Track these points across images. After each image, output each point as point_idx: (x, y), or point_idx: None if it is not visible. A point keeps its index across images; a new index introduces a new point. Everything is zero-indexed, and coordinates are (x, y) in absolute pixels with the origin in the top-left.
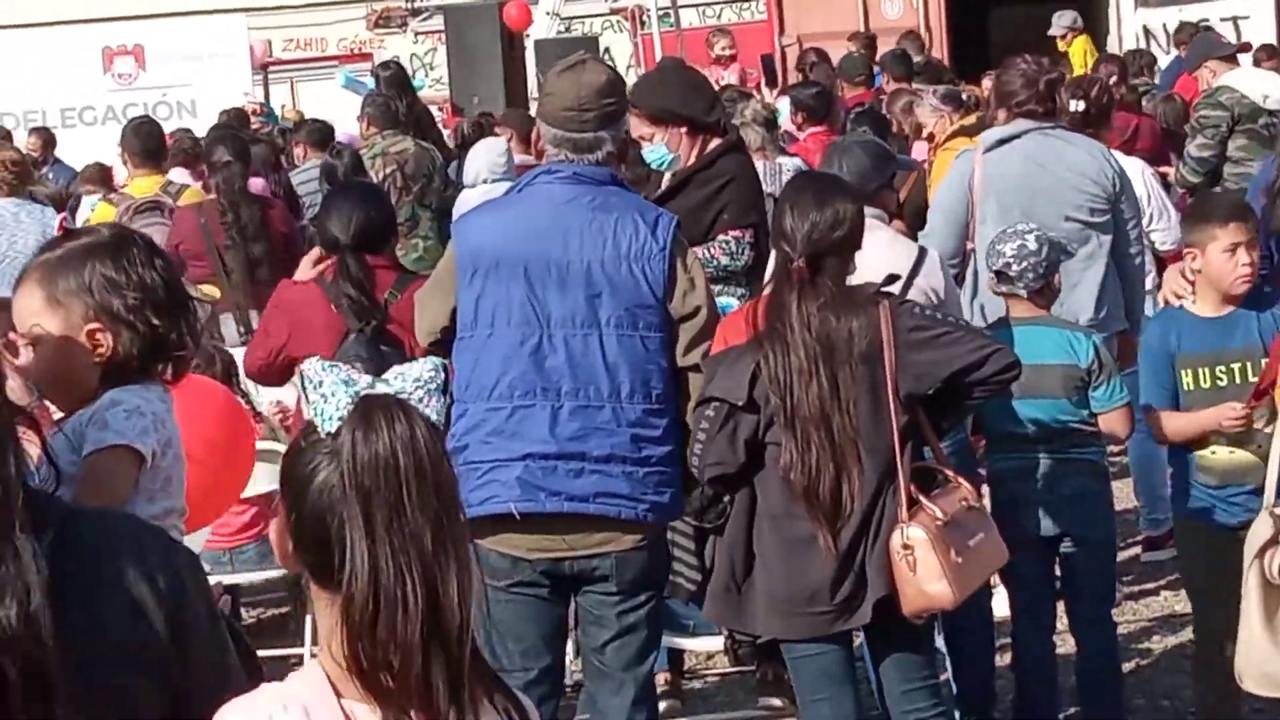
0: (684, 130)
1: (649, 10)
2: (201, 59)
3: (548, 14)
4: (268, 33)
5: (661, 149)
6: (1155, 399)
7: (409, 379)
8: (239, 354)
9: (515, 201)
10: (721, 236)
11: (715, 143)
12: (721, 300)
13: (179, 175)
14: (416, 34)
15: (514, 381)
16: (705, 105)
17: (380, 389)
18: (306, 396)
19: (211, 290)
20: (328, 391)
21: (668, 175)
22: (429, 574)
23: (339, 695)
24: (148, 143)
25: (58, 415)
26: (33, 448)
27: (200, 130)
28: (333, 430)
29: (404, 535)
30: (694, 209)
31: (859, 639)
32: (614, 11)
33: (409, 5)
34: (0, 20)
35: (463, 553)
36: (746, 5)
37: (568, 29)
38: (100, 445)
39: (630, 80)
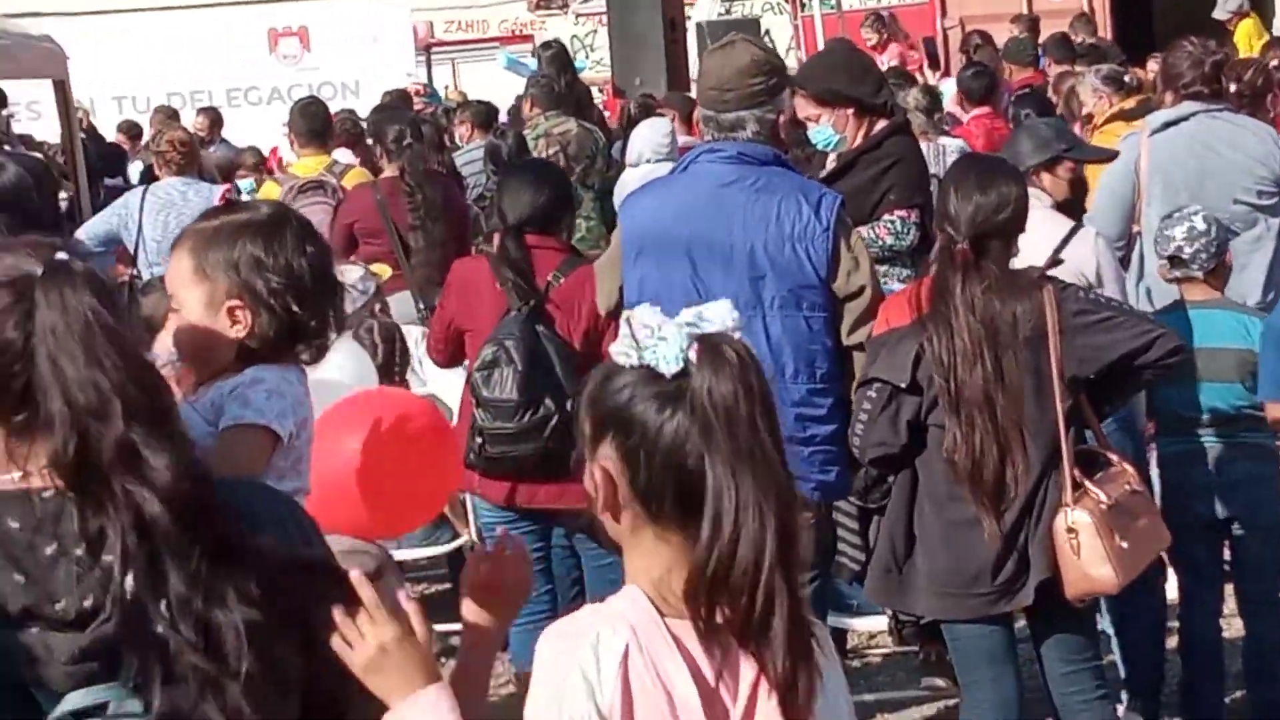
0: (851, 111)
1: None
2: (365, 40)
3: None
4: (430, 14)
5: (828, 130)
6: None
7: (724, 317)
8: (413, 332)
9: (678, 181)
10: (887, 216)
11: (882, 124)
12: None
13: (343, 155)
14: (578, 16)
15: None
16: (873, 86)
17: (706, 328)
18: (638, 341)
19: (382, 269)
20: (667, 334)
21: (832, 157)
22: (781, 502)
23: (663, 616)
24: (314, 123)
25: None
26: None
27: (364, 112)
28: (675, 370)
29: (762, 465)
30: (859, 189)
31: (1021, 619)
32: None
33: None
34: (170, 1)
35: (795, 484)
36: None
37: (729, 11)
38: (240, 421)
39: (790, 62)
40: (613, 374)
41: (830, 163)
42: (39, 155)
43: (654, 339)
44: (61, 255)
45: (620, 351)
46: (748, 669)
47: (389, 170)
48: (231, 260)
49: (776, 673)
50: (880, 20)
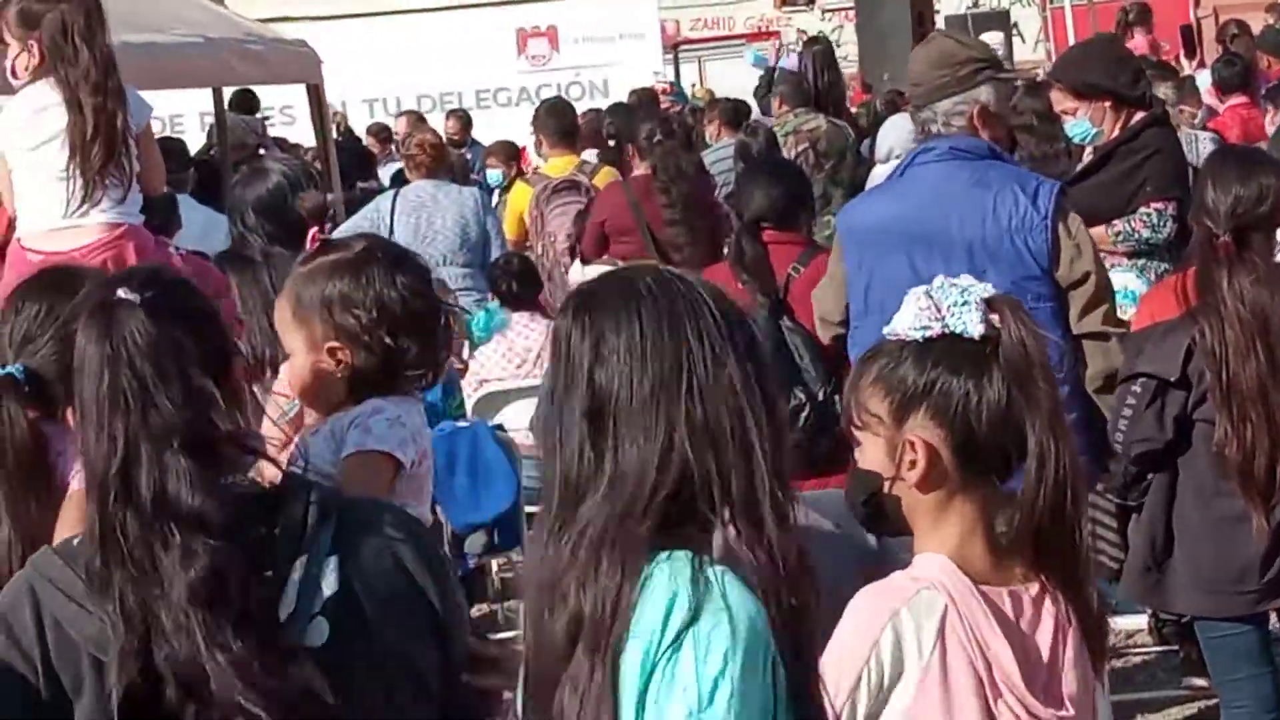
0: (1108, 104)
1: None
2: (613, 40)
3: None
4: (677, 12)
5: (1085, 123)
6: None
7: (982, 285)
8: None
9: (895, 185)
10: (1143, 209)
11: (1139, 116)
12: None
13: (591, 155)
14: (824, 11)
15: None
16: (1130, 78)
17: (982, 294)
18: (941, 311)
19: None
20: (969, 298)
21: (1089, 149)
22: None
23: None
24: (563, 122)
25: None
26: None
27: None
28: (982, 332)
29: (1061, 411)
30: (1115, 181)
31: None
32: None
33: None
34: (419, 4)
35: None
36: None
37: (977, 4)
38: (362, 448)
39: (1039, 54)
40: (902, 350)
41: (1087, 155)
42: (297, 160)
43: (958, 306)
44: (121, 293)
45: (917, 326)
46: (1047, 629)
47: (641, 168)
48: (324, 301)
49: (1090, 615)
50: (1125, 12)
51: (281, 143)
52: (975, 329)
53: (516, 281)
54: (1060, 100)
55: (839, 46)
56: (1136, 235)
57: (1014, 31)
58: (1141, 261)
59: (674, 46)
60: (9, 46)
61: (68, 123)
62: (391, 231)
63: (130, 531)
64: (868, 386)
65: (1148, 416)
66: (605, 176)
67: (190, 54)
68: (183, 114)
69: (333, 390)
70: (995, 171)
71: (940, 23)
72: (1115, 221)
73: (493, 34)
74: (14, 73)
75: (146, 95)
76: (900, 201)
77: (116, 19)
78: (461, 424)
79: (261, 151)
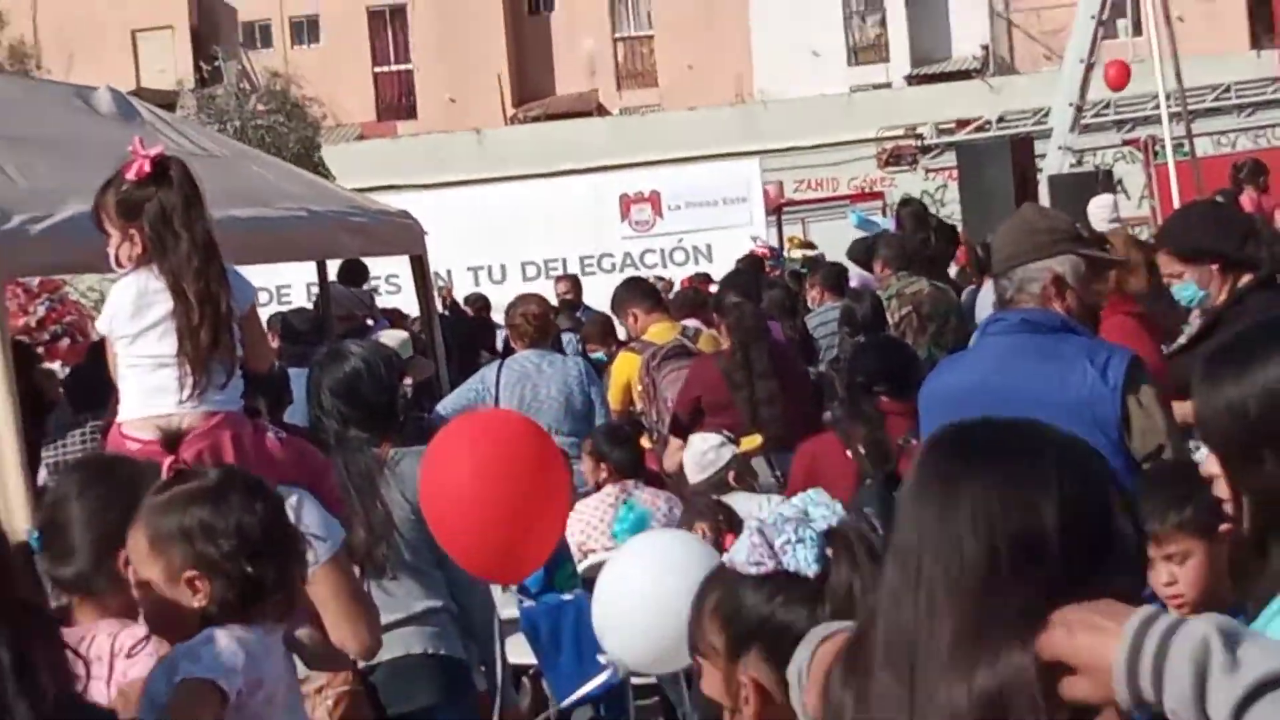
0: (1215, 267)
1: (1163, 140)
2: (716, 204)
3: (1059, 148)
4: (780, 174)
5: (1192, 286)
6: None
7: (833, 505)
8: (774, 499)
9: (968, 358)
10: None
11: (1247, 278)
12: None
13: (692, 323)
14: (928, 171)
15: None
16: (1237, 241)
17: (826, 522)
18: (775, 551)
19: (752, 440)
20: (805, 534)
21: (1195, 313)
22: None
23: None
24: (645, 291)
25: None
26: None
27: (718, 275)
28: (817, 572)
29: None
30: None
31: None
32: (1126, 143)
33: (919, 143)
34: (522, 171)
35: None
36: (1263, 132)
37: (1080, 163)
38: (188, 675)
39: (1143, 211)
40: (743, 584)
41: (1194, 319)
42: (385, 343)
43: (792, 544)
44: None
45: (751, 561)
46: None
47: (728, 339)
48: (183, 530)
49: None
50: (1237, 169)
51: (390, 314)
52: (809, 569)
53: (621, 449)
54: (1167, 264)
55: (943, 206)
56: None
57: (1118, 189)
58: None
59: (777, 209)
60: (110, 236)
61: (171, 310)
62: (497, 401)
63: None
64: (708, 616)
65: None
66: (707, 341)
67: (295, 227)
68: (290, 284)
69: (188, 622)
70: (1066, 344)
71: (1043, 183)
72: None
73: (596, 200)
74: (118, 262)
75: (253, 269)
76: (970, 372)
77: (222, 194)
78: (565, 596)
79: (370, 323)
